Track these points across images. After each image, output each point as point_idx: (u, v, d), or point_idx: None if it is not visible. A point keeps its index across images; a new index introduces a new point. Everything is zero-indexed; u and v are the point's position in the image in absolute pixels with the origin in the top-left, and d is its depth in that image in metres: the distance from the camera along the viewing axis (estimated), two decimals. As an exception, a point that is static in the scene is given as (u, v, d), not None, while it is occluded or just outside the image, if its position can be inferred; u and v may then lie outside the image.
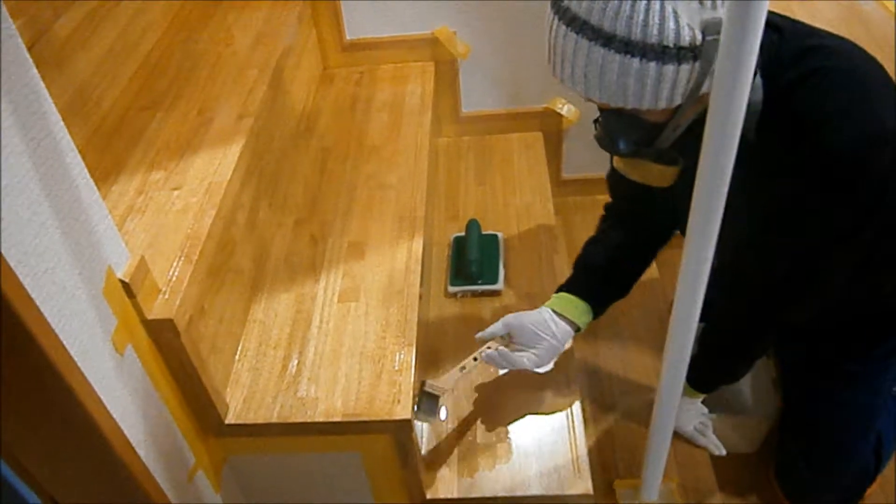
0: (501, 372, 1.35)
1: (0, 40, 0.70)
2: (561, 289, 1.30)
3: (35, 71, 0.75)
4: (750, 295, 1.16)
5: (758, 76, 0.96)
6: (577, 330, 1.27)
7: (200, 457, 1.11)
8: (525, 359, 1.22)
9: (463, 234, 1.59)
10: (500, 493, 1.20)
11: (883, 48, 1.38)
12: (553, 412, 1.30)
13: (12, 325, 0.71)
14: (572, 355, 1.40)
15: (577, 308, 1.26)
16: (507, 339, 1.26)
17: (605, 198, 1.75)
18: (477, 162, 1.85)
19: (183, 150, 1.21)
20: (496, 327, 1.26)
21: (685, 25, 0.86)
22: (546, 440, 1.26)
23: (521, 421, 1.29)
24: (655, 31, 0.86)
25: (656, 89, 0.90)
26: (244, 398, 1.14)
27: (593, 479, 1.21)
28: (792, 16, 1.03)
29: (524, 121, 1.91)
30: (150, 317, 0.94)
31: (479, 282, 1.51)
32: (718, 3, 0.86)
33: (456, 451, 1.26)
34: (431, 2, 1.75)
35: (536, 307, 1.28)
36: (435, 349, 1.41)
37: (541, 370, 1.28)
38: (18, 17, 1.07)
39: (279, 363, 1.18)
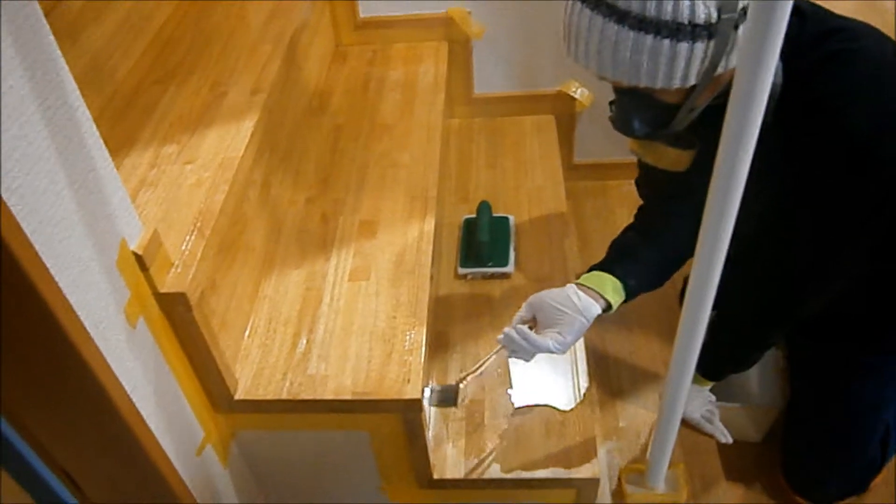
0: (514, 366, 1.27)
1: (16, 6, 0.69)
2: (592, 268, 1.20)
3: (52, 38, 0.74)
4: (763, 283, 1.15)
5: (777, 59, 0.94)
6: (607, 308, 1.14)
7: (209, 431, 1.12)
8: (549, 339, 1.09)
9: (474, 215, 1.58)
10: (507, 475, 1.20)
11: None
12: (562, 395, 1.30)
13: (28, 294, 0.71)
14: (582, 339, 1.40)
15: (605, 283, 1.15)
16: (532, 323, 1.16)
17: (617, 183, 1.74)
18: (488, 144, 1.84)
19: (196, 124, 1.20)
20: (521, 312, 1.16)
21: (701, 3, 0.85)
22: (554, 422, 1.26)
23: (529, 403, 1.29)
24: (670, 8, 0.85)
25: (670, 67, 0.89)
26: (253, 374, 1.14)
27: (600, 463, 1.21)
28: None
29: (537, 103, 1.90)
30: (162, 290, 0.94)
31: (490, 264, 1.50)
32: None
33: (464, 431, 1.26)
34: (446, -20, 1.74)
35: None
36: (443, 331, 1.41)
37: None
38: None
39: (289, 340, 1.18)
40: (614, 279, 1.16)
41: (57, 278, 0.74)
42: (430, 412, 1.28)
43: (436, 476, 1.21)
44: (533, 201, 1.67)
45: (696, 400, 1.35)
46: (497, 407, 1.29)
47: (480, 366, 1.16)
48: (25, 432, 0.88)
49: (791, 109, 0.95)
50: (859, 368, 1.28)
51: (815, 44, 0.96)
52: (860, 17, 1.01)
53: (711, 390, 1.37)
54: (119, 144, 1.16)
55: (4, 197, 0.67)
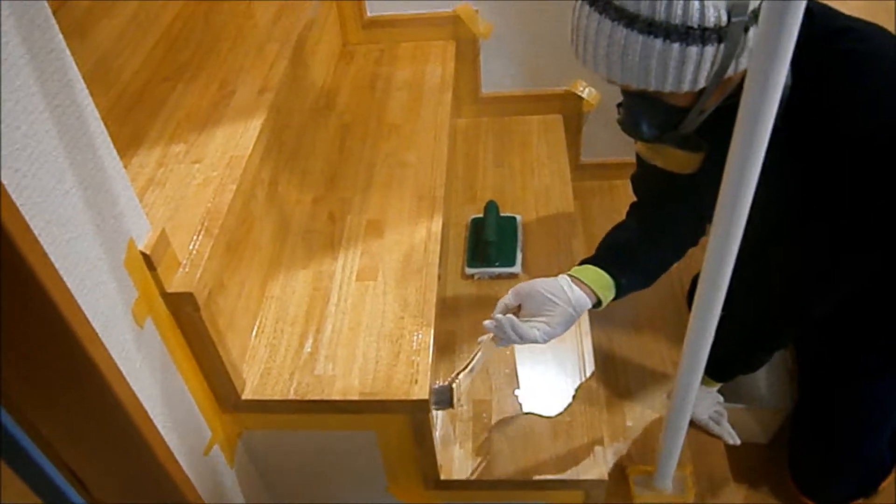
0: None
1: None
2: (582, 261, 1.20)
3: (60, 36, 0.74)
4: (772, 284, 1.14)
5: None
6: (597, 304, 1.15)
7: (216, 431, 1.12)
8: (535, 328, 1.09)
9: (481, 215, 1.58)
10: (514, 476, 1.20)
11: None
12: (569, 395, 1.30)
13: (36, 294, 0.71)
14: (589, 339, 1.39)
15: (597, 278, 1.15)
16: (518, 311, 1.14)
17: (624, 182, 1.72)
18: (496, 143, 1.83)
19: (204, 123, 1.20)
20: (506, 299, 1.14)
21: (710, 6, 0.84)
22: (561, 423, 1.26)
23: (537, 404, 1.29)
24: (679, 12, 0.85)
25: (679, 71, 0.89)
26: (261, 374, 1.13)
27: (607, 465, 1.20)
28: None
29: (544, 103, 1.89)
30: (170, 290, 0.94)
31: (497, 264, 1.50)
32: None
33: (471, 432, 1.26)
34: (454, -22, 1.73)
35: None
36: (450, 331, 1.40)
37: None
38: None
39: (296, 340, 1.18)
40: (608, 276, 1.15)
41: (65, 278, 0.74)
42: (437, 412, 1.27)
43: (443, 477, 1.21)
44: (540, 201, 1.66)
45: (704, 401, 1.34)
46: (504, 408, 1.29)
47: (469, 362, 1.16)
48: (32, 432, 0.88)
49: (799, 110, 0.95)
50: (868, 370, 1.27)
51: (824, 44, 0.95)
52: (868, 17, 1.01)
53: (719, 391, 1.36)
54: (127, 143, 1.16)
55: (13, 196, 0.66)
